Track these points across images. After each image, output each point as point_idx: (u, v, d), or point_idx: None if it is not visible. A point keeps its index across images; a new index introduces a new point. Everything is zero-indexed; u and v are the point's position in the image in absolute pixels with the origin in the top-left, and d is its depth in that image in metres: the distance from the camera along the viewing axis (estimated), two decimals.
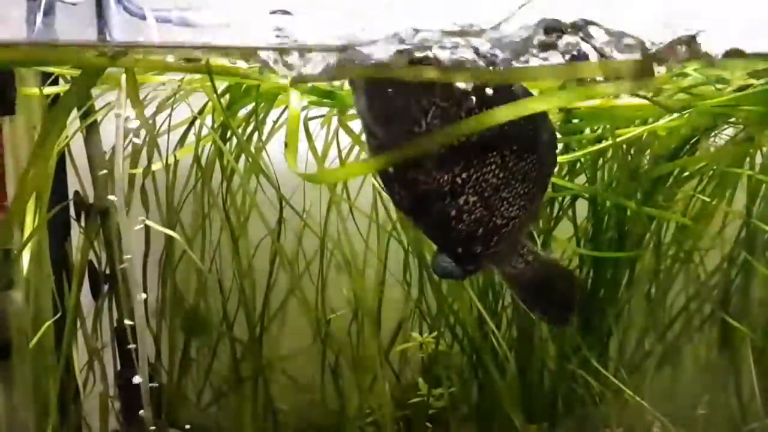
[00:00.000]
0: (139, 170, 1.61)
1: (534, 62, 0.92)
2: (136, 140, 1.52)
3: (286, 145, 1.19)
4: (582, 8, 0.97)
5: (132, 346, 1.55)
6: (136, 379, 1.56)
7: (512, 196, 0.96)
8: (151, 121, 1.65)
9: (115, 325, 1.78)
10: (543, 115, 0.98)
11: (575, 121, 1.59)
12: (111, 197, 1.52)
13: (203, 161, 1.75)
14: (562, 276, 1.16)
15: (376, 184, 1.74)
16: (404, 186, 0.92)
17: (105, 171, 1.64)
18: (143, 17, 1.25)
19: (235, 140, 1.73)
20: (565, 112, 1.49)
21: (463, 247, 0.99)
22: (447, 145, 0.89)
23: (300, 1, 1.16)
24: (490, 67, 0.92)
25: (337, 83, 1.33)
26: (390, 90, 0.87)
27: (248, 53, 1.14)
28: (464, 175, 0.91)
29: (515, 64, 0.95)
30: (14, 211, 1.40)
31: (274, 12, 1.20)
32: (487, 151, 0.92)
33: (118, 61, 1.25)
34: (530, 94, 0.96)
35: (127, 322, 1.58)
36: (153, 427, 1.61)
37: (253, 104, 1.59)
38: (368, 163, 0.99)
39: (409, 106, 0.87)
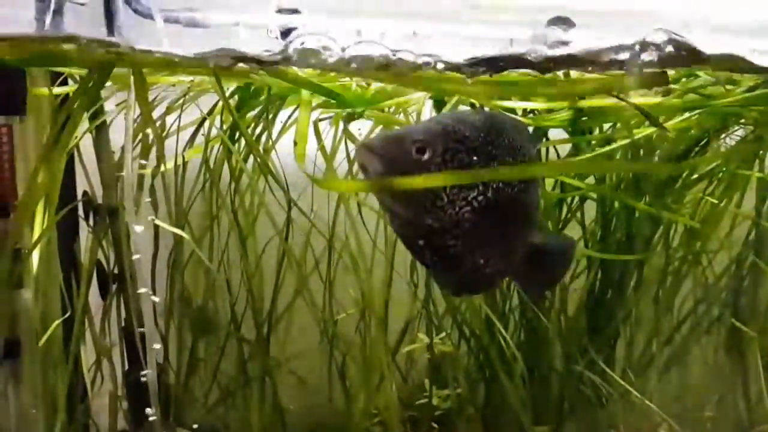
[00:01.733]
0: (148, 171, 1.62)
1: None
2: None
3: (295, 143, 1.20)
4: None
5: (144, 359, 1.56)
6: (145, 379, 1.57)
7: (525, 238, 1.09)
8: (161, 122, 1.66)
9: (123, 324, 1.79)
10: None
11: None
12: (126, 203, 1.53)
13: (212, 162, 1.76)
14: (546, 257, 1.18)
15: None
16: (438, 252, 1.02)
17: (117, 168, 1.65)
18: (152, 17, 1.26)
19: (244, 141, 1.73)
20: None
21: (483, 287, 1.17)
22: (478, 215, 0.99)
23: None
24: None
25: None
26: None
27: None
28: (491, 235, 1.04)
29: None
30: (23, 211, 1.41)
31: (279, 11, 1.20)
32: (507, 213, 1.04)
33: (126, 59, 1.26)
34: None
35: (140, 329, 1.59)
36: (161, 427, 1.62)
37: (262, 105, 1.60)
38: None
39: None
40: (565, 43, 1.07)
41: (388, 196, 0.97)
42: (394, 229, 1.04)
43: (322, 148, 1.43)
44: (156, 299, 1.55)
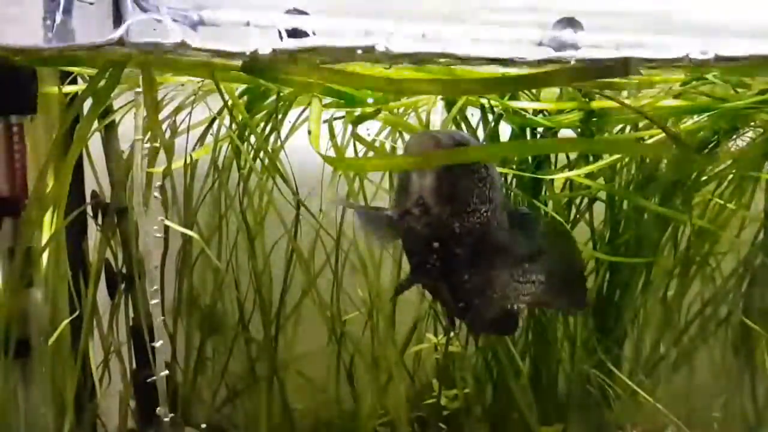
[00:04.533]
0: (159, 170, 1.61)
1: None
2: None
3: (309, 132, 1.22)
4: None
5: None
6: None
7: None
8: (170, 120, 1.66)
9: (131, 323, 1.79)
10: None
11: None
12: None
13: (221, 161, 1.76)
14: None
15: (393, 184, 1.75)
16: (444, 261, 1.06)
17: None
18: (159, 16, 1.25)
19: (252, 140, 1.73)
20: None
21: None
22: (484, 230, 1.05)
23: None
24: None
25: None
26: (454, 172, 1.01)
27: None
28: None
29: None
30: (32, 210, 1.41)
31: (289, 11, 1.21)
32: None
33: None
34: None
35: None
36: (169, 426, 1.62)
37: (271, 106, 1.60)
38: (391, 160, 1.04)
39: (469, 188, 1.02)
40: None
41: (429, 190, 1.00)
42: (414, 226, 1.04)
43: (334, 144, 1.44)
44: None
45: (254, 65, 1.15)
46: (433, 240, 1.04)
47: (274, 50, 1.03)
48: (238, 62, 1.33)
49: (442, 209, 1.01)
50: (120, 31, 1.04)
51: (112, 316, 1.77)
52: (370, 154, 1.67)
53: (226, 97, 1.48)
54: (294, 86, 1.39)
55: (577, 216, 1.81)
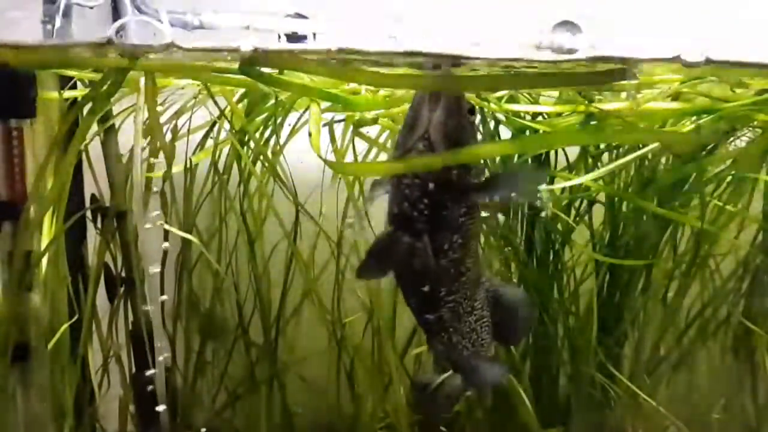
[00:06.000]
0: (159, 173, 1.61)
1: None
2: None
3: (310, 134, 1.22)
4: None
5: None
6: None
7: None
8: (172, 124, 1.66)
9: (130, 328, 1.79)
10: None
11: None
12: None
13: (221, 165, 1.76)
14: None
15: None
16: (432, 221, 1.04)
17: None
18: (158, 20, 1.25)
19: (251, 144, 1.73)
20: None
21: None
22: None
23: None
24: None
25: None
26: (461, 110, 1.01)
27: None
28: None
29: None
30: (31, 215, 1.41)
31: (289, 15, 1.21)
32: None
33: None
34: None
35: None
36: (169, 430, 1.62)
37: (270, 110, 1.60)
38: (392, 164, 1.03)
39: (471, 132, 1.03)
40: None
41: (435, 125, 0.98)
42: (419, 183, 1.01)
43: (335, 150, 1.44)
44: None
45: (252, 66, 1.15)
46: (429, 181, 1.00)
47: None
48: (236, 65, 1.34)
49: (446, 146, 0.99)
50: (111, 31, 1.04)
51: (112, 320, 1.77)
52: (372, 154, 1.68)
53: (222, 103, 1.48)
54: (291, 89, 1.38)
55: (577, 218, 1.81)
